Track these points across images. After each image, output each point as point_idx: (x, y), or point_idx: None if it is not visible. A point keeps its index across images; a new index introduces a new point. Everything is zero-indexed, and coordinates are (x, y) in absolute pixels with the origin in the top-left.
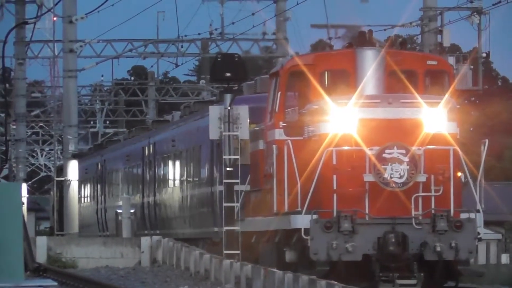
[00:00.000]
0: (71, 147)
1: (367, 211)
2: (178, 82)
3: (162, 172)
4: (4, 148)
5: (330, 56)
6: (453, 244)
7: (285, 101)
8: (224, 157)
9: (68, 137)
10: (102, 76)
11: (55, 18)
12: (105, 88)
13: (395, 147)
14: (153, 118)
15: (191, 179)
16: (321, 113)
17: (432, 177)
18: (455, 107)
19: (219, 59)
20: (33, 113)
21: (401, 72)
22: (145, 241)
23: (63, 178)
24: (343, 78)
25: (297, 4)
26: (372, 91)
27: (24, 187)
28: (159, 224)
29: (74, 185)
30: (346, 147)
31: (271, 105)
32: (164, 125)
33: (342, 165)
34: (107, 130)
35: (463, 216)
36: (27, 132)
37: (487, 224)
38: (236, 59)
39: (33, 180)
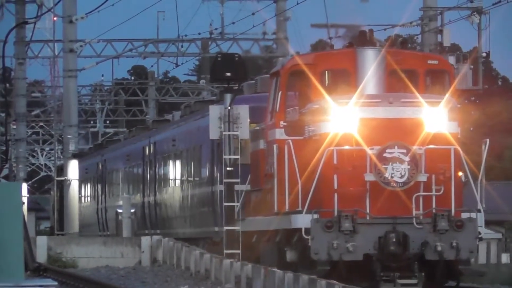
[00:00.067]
0: (71, 147)
1: (368, 211)
2: (178, 82)
3: (162, 171)
4: (4, 148)
5: (331, 56)
6: (454, 244)
7: (286, 101)
8: (224, 156)
9: (68, 136)
10: (102, 76)
11: (55, 18)
12: (105, 88)
13: (396, 147)
14: (153, 117)
15: (191, 179)
16: (322, 112)
17: (433, 176)
18: (456, 107)
19: (219, 59)
20: (33, 113)
21: (401, 72)
22: (146, 240)
23: (63, 178)
24: (344, 77)
25: (297, 3)
26: (373, 91)
27: (24, 187)
28: (160, 224)
29: (74, 185)
30: (347, 147)
31: (272, 104)
32: (165, 125)
33: (343, 165)
34: (107, 130)
35: (464, 215)
36: (27, 132)
37: (487, 223)
38: (236, 58)
39: (33, 180)
